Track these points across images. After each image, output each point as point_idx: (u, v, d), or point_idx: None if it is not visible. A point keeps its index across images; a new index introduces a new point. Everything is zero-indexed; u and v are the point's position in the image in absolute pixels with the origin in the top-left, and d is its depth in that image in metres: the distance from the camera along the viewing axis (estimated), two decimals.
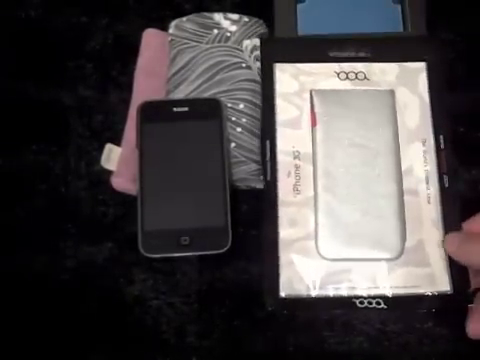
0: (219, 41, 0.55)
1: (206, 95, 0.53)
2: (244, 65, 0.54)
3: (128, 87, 0.56)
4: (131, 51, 0.57)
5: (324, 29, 0.55)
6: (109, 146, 0.53)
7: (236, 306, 0.49)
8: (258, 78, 0.54)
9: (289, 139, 0.51)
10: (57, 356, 0.49)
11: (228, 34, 0.55)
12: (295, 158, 0.50)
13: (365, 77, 0.53)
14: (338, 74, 0.53)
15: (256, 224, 0.51)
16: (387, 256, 0.48)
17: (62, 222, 0.53)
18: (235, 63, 0.54)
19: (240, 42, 0.55)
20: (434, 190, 0.50)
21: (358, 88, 0.52)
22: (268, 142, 0.51)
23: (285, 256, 0.48)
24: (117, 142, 0.54)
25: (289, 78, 0.53)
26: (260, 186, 0.52)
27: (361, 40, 0.54)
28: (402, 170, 0.50)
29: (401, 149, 0.51)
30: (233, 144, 0.52)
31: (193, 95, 0.53)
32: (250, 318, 0.49)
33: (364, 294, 0.47)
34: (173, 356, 0.48)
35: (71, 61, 0.58)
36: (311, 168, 0.50)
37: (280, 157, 0.50)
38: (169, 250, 0.48)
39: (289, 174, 0.50)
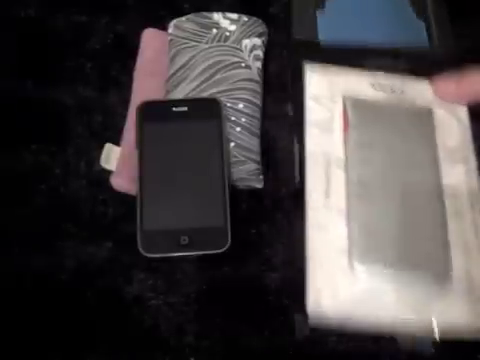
0: (218, 41, 0.55)
1: (205, 95, 0.53)
2: (243, 64, 0.54)
3: (128, 87, 0.56)
4: (131, 51, 0.58)
5: (345, 36, 0.53)
6: (109, 146, 0.53)
7: (235, 306, 0.49)
8: (257, 77, 0.54)
9: (319, 141, 0.48)
10: (57, 356, 0.48)
11: (227, 33, 0.55)
12: (325, 162, 0.47)
13: (401, 91, 0.50)
14: (373, 85, 0.50)
15: (255, 224, 0.52)
16: (430, 280, 0.43)
17: (62, 222, 0.53)
18: (234, 62, 0.54)
19: (239, 41, 0.55)
20: (479, 213, 0.46)
21: (393, 101, 0.50)
22: (297, 146, 0.48)
23: (313, 264, 0.44)
24: (117, 142, 0.54)
25: (320, 80, 0.50)
26: (259, 186, 0.53)
27: (400, 54, 0.52)
28: (443, 189, 0.47)
29: (441, 169, 0.47)
30: (232, 144, 0.52)
31: (192, 95, 0.53)
32: (249, 318, 0.49)
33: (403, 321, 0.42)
34: (172, 356, 0.48)
35: (71, 61, 0.59)
36: (343, 173, 0.47)
37: (310, 160, 0.47)
38: (169, 250, 0.48)
39: (319, 178, 0.47)
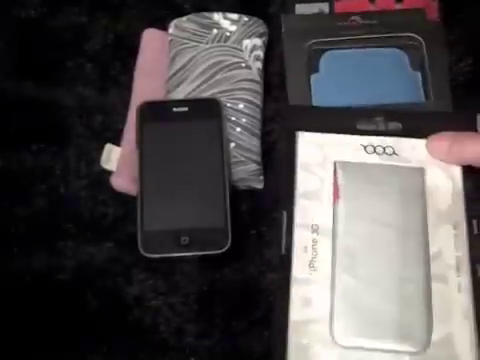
0: (219, 41, 0.55)
1: (206, 95, 0.53)
2: (244, 65, 0.54)
3: (128, 87, 0.56)
4: (131, 51, 0.58)
5: (340, 99, 0.52)
6: (109, 146, 0.53)
7: (235, 306, 0.49)
8: (258, 78, 0.54)
9: (308, 212, 0.47)
10: (56, 356, 0.48)
11: (228, 34, 0.55)
12: (313, 232, 0.47)
13: (394, 152, 0.49)
14: (365, 147, 0.49)
15: (255, 224, 0.52)
16: (410, 349, 0.43)
17: (62, 222, 0.53)
18: (235, 63, 0.54)
19: (240, 42, 0.55)
20: (465, 279, 0.45)
21: (386, 163, 0.49)
22: (285, 213, 0.47)
23: (295, 339, 0.43)
24: (117, 142, 0.54)
25: (312, 148, 0.49)
26: (260, 186, 0.53)
27: (391, 113, 0.50)
28: (430, 254, 0.46)
29: (430, 231, 0.46)
30: (233, 144, 0.52)
31: (193, 95, 0.53)
32: (249, 318, 0.49)
33: None
34: (172, 356, 0.48)
35: (71, 61, 0.59)
36: (330, 244, 0.46)
37: (297, 230, 0.47)
38: (169, 250, 0.48)
39: (306, 249, 0.46)
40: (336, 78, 0.55)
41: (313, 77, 0.55)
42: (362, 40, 0.56)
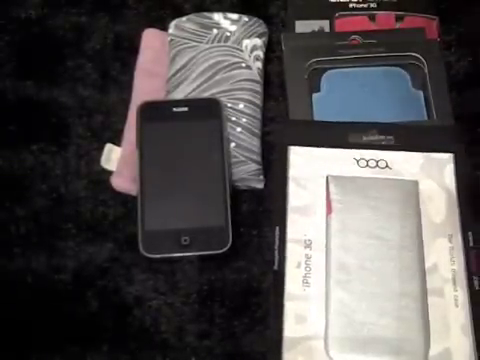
0: (219, 41, 0.55)
1: (206, 95, 0.53)
2: (244, 65, 0.54)
3: (128, 87, 0.56)
4: (131, 51, 0.58)
5: (342, 119, 0.52)
6: (109, 146, 0.53)
7: (236, 306, 0.49)
8: (258, 78, 0.54)
9: (301, 227, 0.47)
10: (57, 356, 0.48)
11: (228, 34, 0.55)
12: (306, 247, 0.46)
13: (387, 166, 0.49)
14: (358, 161, 0.49)
15: (256, 224, 0.52)
16: None
17: (62, 222, 0.52)
18: (235, 63, 0.54)
19: (240, 42, 0.55)
20: (462, 292, 0.45)
21: (379, 176, 0.49)
22: (277, 229, 0.47)
23: (290, 356, 0.43)
24: (117, 142, 0.54)
25: (304, 162, 0.49)
26: (260, 186, 0.53)
27: (384, 127, 0.51)
28: (426, 267, 0.45)
29: (425, 244, 0.46)
30: (233, 144, 0.52)
31: (193, 95, 0.53)
32: (249, 318, 0.49)
33: None
34: (173, 356, 0.48)
35: (71, 61, 0.59)
36: (323, 259, 0.46)
37: (290, 246, 0.46)
38: (169, 250, 0.48)
39: (299, 265, 0.46)
40: (338, 97, 0.55)
41: (315, 96, 0.54)
42: (363, 59, 0.56)
